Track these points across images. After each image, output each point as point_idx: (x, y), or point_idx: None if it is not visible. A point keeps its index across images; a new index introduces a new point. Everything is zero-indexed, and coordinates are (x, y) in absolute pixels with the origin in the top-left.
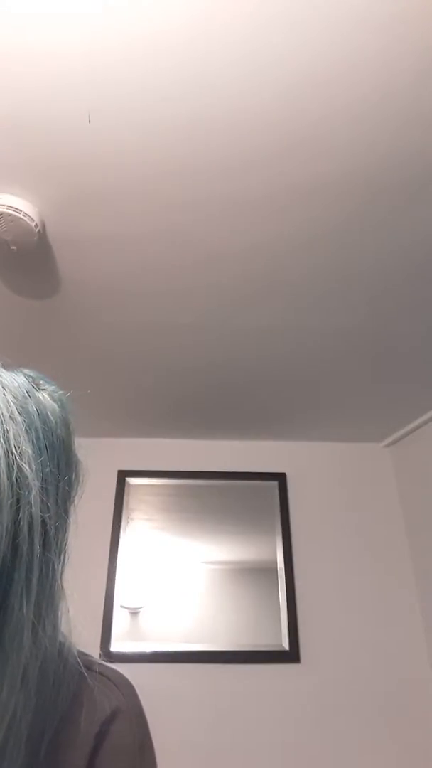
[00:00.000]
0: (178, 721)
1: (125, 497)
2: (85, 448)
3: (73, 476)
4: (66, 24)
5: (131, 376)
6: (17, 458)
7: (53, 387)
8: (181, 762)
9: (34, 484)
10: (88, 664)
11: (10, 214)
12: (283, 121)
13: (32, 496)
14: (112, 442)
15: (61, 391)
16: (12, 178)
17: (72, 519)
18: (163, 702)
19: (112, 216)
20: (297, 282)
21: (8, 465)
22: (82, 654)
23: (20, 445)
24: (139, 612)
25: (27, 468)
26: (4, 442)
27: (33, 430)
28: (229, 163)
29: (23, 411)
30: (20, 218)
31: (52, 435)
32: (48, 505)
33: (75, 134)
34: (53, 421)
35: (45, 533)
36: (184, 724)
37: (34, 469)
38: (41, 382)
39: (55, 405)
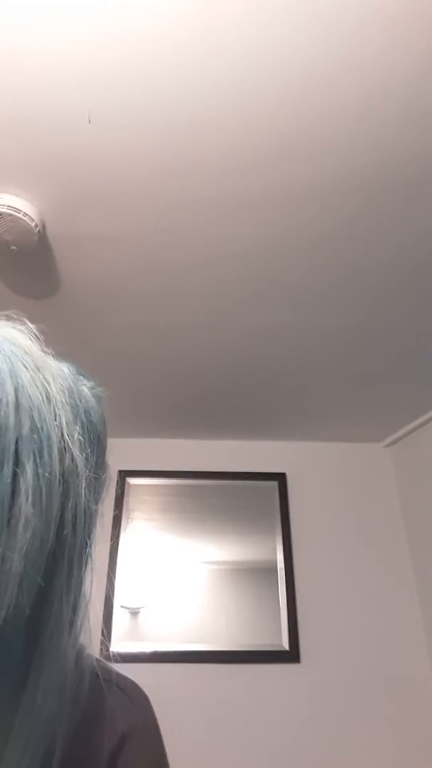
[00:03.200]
0: (178, 721)
1: (125, 497)
2: None
3: (105, 477)
4: (66, 24)
5: (131, 376)
6: (69, 445)
7: (92, 382)
8: (181, 762)
9: (84, 473)
10: (106, 674)
11: (10, 214)
12: (283, 122)
13: (81, 487)
14: (112, 442)
15: (100, 388)
16: (12, 178)
17: (101, 518)
18: (163, 702)
19: (112, 216)
20: (297, 282)
21: (60, 450)
22: (98, 661)
23: (72, 432)
24: (139, 612)
25: (78, 455)
26: (58, 427)
27: (80, 422)
28: (229, 163)
29: (73, 405)
30: (20, 218)
31: (94, 429)
32: (92, 501)
33: (75, 134)
34: (93, 416)
35: (88, 524)
36: (184, 724)
37: (83, 456)
38: (81, 376)
39: (94, 401)
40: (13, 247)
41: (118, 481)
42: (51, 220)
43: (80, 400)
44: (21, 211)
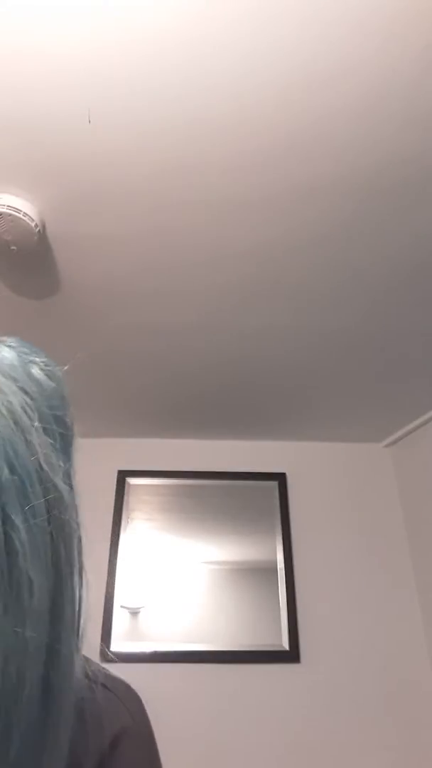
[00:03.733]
0: (178, 721)
1: (125, 497)
2: (85, 448)
3: (71, 463)
4: (66, 24)
5: (131, 376)
6: (49, 475)
7: (44, 359)
8: (180, 762)
9: (71, 501)
10: (93, 675)
11: (10, 214)
12: (283, 122)
13: (69, 514)
14: (112, 442)
15: (52, 364)
16: (12, 178)
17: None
18: (163, 702)
19: (112, 216)
20: (297, 282)
21: (42, 481)
22: (87, 661)
23: (49, 457)
24: (139, 612)
25: (61, 485)
26: (34, 456)
27: (43, 422)
28: (228, 163)
29: (31, 404)
30: (20, 218)
31: (61, 420)
32: (75, 517)
33: (75, 134)
34: (55, 402)
35: (78, 546)
36: (184, 724)
37: (67, 482)
38: (27, 352)
39: (52, 383)
40: (13, 247)
41: (118, 481)
42: (51, 220)
43: (40, 395)
44: (21, 211)
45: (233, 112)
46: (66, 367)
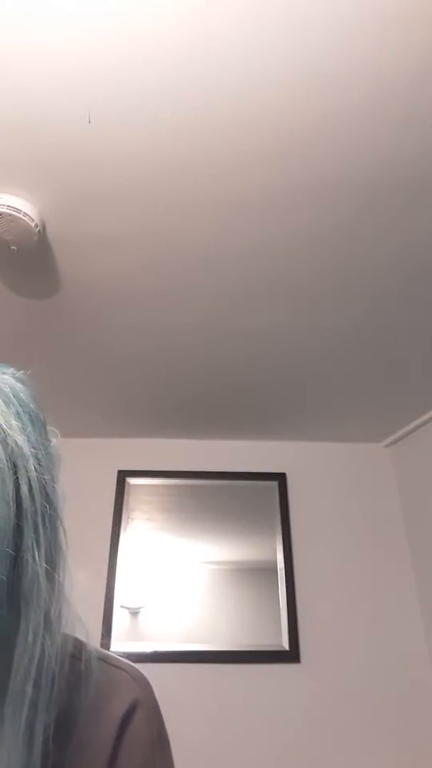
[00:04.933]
0: (177, 721)
1: (125, 497)
2: (85, 448)
3: (52, 445)
4: (66, 24)
5: (131, 376)
6: (9, 433)
7: (12, 369)
8: (180, 762)
9: (29, 452)
10: (105, 657)
11: (10, 214)
12: (283, 122)
13: (29, 463)
14: (112, 442)
15: (20, 371)
16: (12, 178)
17: (60, 484)
18: (163, 702)
19: (112, 216)
20: (297, 282)
21: (2, 441)
22: (98, 650)
23: (8, 421)
24: (139, 612)
25: (19, 439)
26: None
27: (12, 407)
28: (228, 163)
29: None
30: (20, 218)
31: (28, 410)
32: (44, 469)
33: (75, 134)
34: (24, 397)
35: (45, 493)
36: (184, 724)
37: (24, 439)
38: (2, 368)
39: (20, 384)
40: (13, 247)
41: (118, 481)
42: (51, 220)
43: (7, 387)
44: (21, 211)
45: (233, 112)
46: (29, 372)
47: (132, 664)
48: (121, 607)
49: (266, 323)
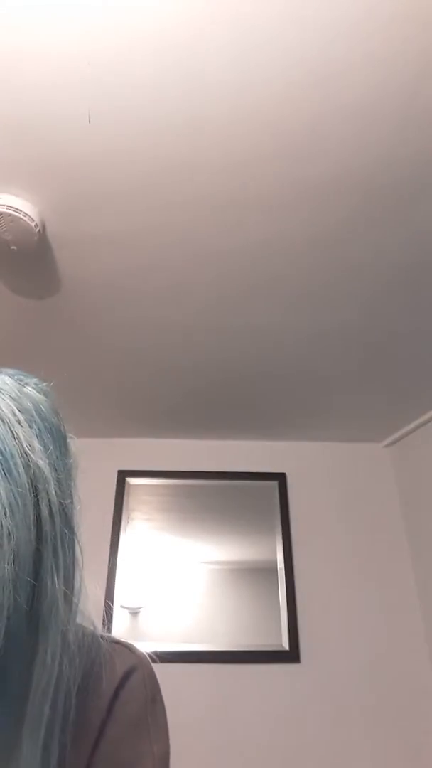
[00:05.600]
0: (177, 721)
1: (125, 497)
2: (85, 448)
3: (71, 460)
4: (66, 24)
5: (131, 376)
6: (31, 457)
7: (35, 380)
8: (180, 762)
9: (51, 475)
10: (105, 636)
11: (10, 214)
12: (282, 120)
13: (50, 486)
14: (112, 442)
15: (43, 383)
16: (12, 178)
17: (77, 498)
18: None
19: (112, 215)
20: (296, 281)
21: (25, 465)
22: (101, 635)
23: (31, 444)
24: (139, 612)
25: (41, 463)
26: (17, 444)
27: (35, 426)
28: (227, 162)
29: (22, 409)
30: (20, 218)
31: (50, 425)
32: (63, 489)
33: (75, 134)
34: (46, 412)
35: (65, 515)
36: (184, 724)
37: (45, 462)
38: (22, 377)
39: (43, 396)
40: (13, 247)
41: (118, 481)
42: (51, 220)
43: (30, 403)
44: (21, 211)
45: (232, 111)
46: (53, 383)
47: (132, 644)
48: (121, 607)
49: (266, 322)
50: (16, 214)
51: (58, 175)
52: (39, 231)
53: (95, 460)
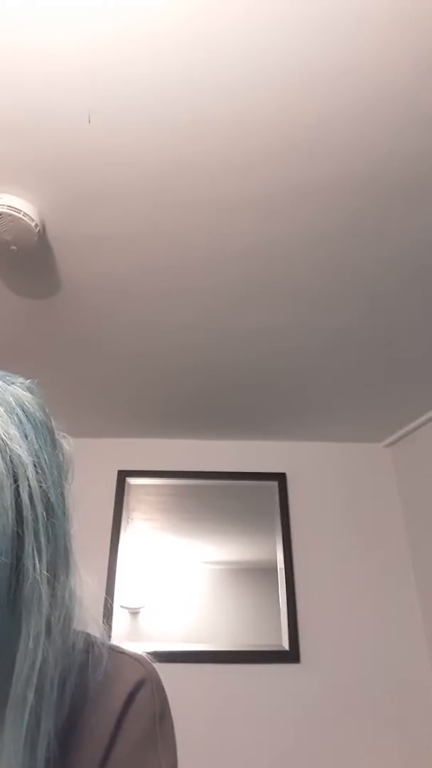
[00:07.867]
0: (177, 721)
1: (125, 497)
2: (85, 448)
3: (59, 453)
4: (66, 24)
5: (131, 376)
6: (8, 443)
7: (21, 378)
8: (180, 762)
9: (28, 460)
10: (111, 646)
11: (10, 214)
12: (283, 122)
13: (28, 471)
14: (112, 442)
15: (29, 380)
16: (12, 178)
17: (69, 489)
18: None
19: (112, 216)
20: (297, 282)
21: (2, 449)
22: (106, 641)
23: (8, 431)
24: (139, 612)
25: (17, 448)
26: None
27: (15, 416)
28: (229, 163)
29: (2, 401)
30: (20, 218)
31: (34, 419)
32: (45, 477)
33: (75, 134)
34: (29, 406)
35: (47, 501)
36: (184, 724)
37: (24, 448)
38: (9, 377)
39: (28, 393)
40: (13, 247)
41: (118, 480)
42: (51, 220)
43: (11, 397)
44: (21, 211)
45: (233, 112)
46: (37, 380)
47: (138, 652)
48: (121, 607)
49: (266, 323)
50: (16, 214)
51: (58, 175)
52: (39, 231)
53: (95, 460)
